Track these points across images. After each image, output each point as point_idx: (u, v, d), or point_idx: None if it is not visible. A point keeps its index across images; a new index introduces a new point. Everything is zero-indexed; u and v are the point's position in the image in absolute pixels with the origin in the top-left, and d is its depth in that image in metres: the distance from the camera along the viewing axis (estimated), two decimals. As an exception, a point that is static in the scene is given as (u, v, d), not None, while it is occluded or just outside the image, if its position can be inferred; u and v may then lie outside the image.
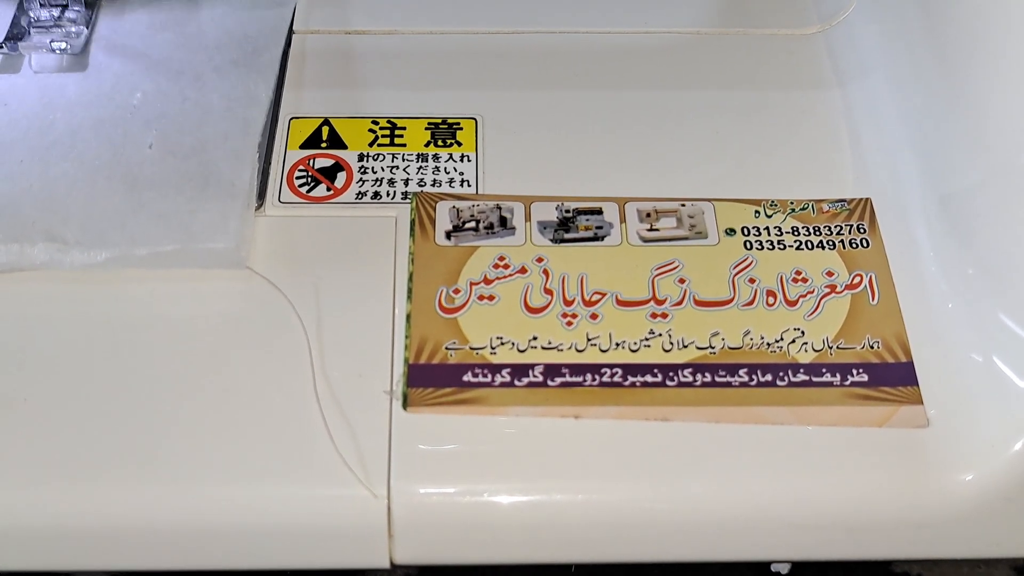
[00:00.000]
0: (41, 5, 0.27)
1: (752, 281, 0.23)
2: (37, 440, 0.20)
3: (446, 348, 0.22)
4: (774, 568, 0.30)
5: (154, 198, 0.24)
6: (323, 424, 0.20)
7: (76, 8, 0.28)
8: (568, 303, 0.23)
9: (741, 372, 0.22)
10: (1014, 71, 0.21)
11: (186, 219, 0.23)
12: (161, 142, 0.25)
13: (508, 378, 0.22)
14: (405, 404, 0.21)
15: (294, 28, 0.28)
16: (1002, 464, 0.21)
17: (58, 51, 0.27)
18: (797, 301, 0.23)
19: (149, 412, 0.21)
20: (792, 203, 0.24)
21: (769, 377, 0.22)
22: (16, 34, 0.27)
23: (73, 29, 0.27)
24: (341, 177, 0.25)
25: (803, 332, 0.22)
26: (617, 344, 0.22)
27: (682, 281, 0.23)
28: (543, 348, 0.22)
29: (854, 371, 0.22)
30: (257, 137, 0.25)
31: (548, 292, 0.23)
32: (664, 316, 0.22)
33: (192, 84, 0.26)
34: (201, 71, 0.27)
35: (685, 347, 0.22)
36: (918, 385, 0.22)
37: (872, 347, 0.22)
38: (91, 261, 0.23)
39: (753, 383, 0.21)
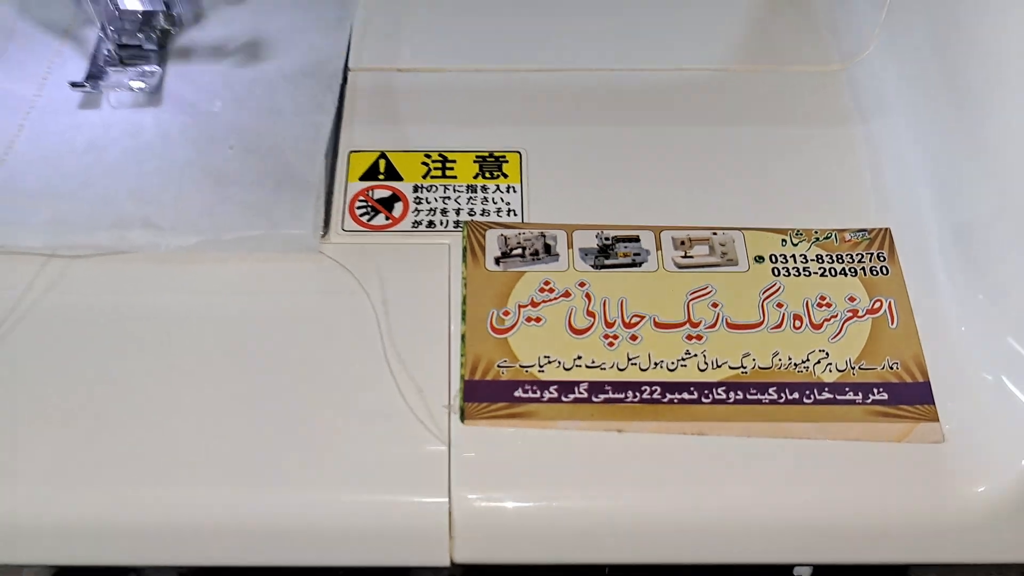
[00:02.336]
0: (119, 46, 0.30)
1: (780, 306, 0.25)
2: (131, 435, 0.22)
3: (498, 366, 0.24)
4: (796, 572, 0.32)
5: (238, 191, 0.27)
6: (391, 429, 0.22)
7: (150, 47, 0.30)
8: (609, 325, 0.25)
9: (770, 390, 0.24)
10: None
11: (267, 208, 0.26)
12: (241, 143, 0.28)
13: (556, 394, 0.24)
14: (462, 417, 0.23)
15: (349, 65, 0.30)
16: (1013, 477, 0.22)
17: (136, 89, 0.29)
18: (822, 325, 0.25)
19: (236, 415, 0.23)
20: (816, 232, 0.26)
21: (796, 395, 0.24)
22: (95, 73, 0.29)
23: (148, 68, 0.29)
24: (398, 207, 0.27)
25: (827, 354, 0.24)
26: (656, 364, 0.24)
27: (715, 305, 0.25)
28: (587, 367, 0.24)
29: (875, 390, 0.24)
30: (326, 140, 0.28)
31: (591, 314, 0.25)
32: (699, 338, 0.24)
33: (266, 92, 0.29)
34: (273, 80, 0.29)
35: (719, 367, 0.24)
36: (934, 404, 0.23)
37: (892, 368, 0.24)
38: (184, 244, 0.26)
39: (781, 400, 0.23)
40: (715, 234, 0.26)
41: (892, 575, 0.29)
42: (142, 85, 0.29)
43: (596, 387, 0.24)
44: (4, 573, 0.27)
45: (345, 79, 0.30)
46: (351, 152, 0.28)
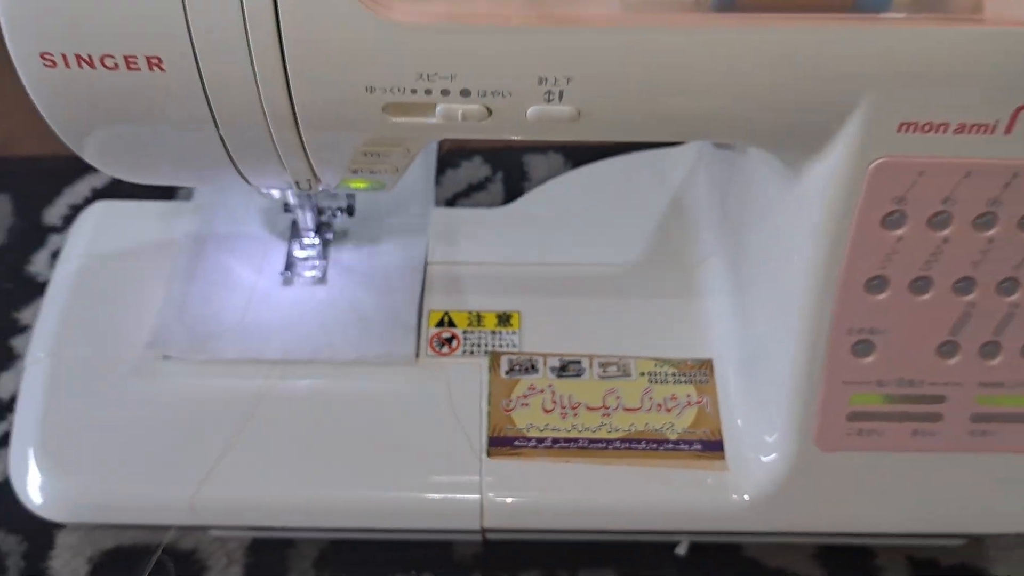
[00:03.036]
0: (301, 247, 0.52)
1: (651, 399, 0.47)
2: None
3: (506, 428, 0.46)
4: (677, 550, 0.53)
5: (375, 330, 0.45)
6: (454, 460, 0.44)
7: (319, 247, 0.52)
8: (563, 407, 0.47)
9: (643, 443, 0.46)
10: (768, 289, 0.45)
11: (390, 340, 0.45)
12: (372, 315, 0.47)
13: (536, 444, 0.46)
14: (488, 455, 0.45)
15: (427, 259, 0.51)
16: (763, 480, 0.44)
17: (311, 278, 0.50)
18: (672, 409, 0.47)
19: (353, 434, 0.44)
20: (672, 360, 0.48)
21: (655, 446, 0.46)
22: (289, 264, 0.52)
23: (318, 262, 0.52)
24: (455, 343, 0.49)
25: (672, 424, 0.46)
26: (587, 428, 0.46)
27: (618, 398, 0.47)
28: (552, 429, 0.46)
29: (695, 444, 0.46)
30: (417, 292, 0.47)
31: (554, 402, 0.47)
32: (608, 415, 0.46)
33: (383, 274, 0.48)
34: (387, 266, 0.48)
35: (617, 430, 0.46)
36: (724, 451, 0.45)
37: (705, 433, 0.46)
38: (344, 358, 0.44)
39: (646, 448, 0.45)
40: (620, 359, 0.48)
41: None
42: (315, 273, 0.49)
43: (557, 440, 0.46)
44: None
45: (426, 266, 0.53)
46: (430, 310, 0.50)
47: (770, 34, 0.31)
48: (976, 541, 0.51)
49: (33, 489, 0.44)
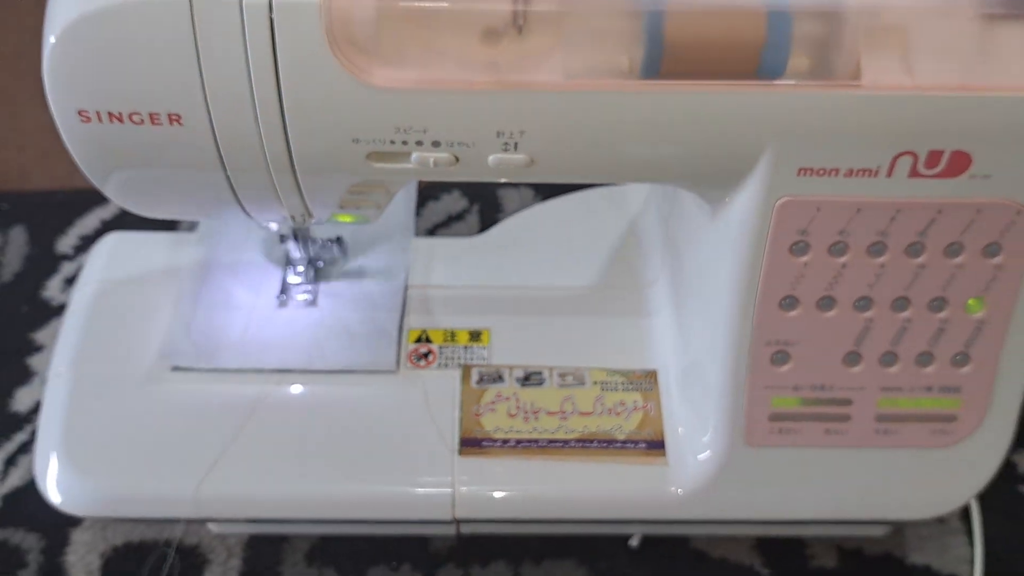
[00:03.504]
0: (294, 273, 0.58)
1: (603, 404, 0.53)
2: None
3: (476, 430, 0.52)
4: (630, 542, 0.59)
5: (360, 343, 0.51)
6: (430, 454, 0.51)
7: (311, 273, 0.58)
8: (525, 412, 0.53)
9: (595, 442, 0.52)
10: (701, 308, 0.52)
11: (374, 351, 0.51)
12: (357, 328, 0.54)
13: (502, 444, 0.52)
14: (460, 454, 0.52)
15: (408, 283, 0.58)
16: (698, 473, 0.50)
17: (304, 301, 0.57)
18: (621, 413, 0.53)
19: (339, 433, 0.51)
20: (622, 370, 0.55)
21: (606, 444, 0.52)
22: (284, 288, 0.58)
23: (310, 287, 0.58)
24: (431, 356, 0.56)
25: (621, 426, 0.52)
26: (546, 430, 0.52)
27: (574, 404, 0.54)
28: (516, 431, 0.53)
29: (641, 443, 0.52)
30: (398, 312, 0.52)
31: (518, 407, 0.53)
32: (565, 419, 0.53)
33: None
34: (371, 289, 0.55)
35: (573, 432, 0.52)
36: (665, 449, 0.52)
37: (649, 434, 0.52)
38: (323, 368, 0.51)
39: (598, 447, 0.52)
40: (576, 369, 0.55)
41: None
42: (307, 297, 0.57)
43: (520, 440, 0.52)
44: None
45: (406, 289, 0.59)
46: (410, 328, 0.57)
47: (689, 96, 0.38)
48: (898, 531, 0.57)
49: (56, 488, 0.50)
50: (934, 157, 0.39)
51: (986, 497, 0.53)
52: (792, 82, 0.38)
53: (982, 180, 0.40)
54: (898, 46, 0.38)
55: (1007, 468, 0.56)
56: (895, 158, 0.40)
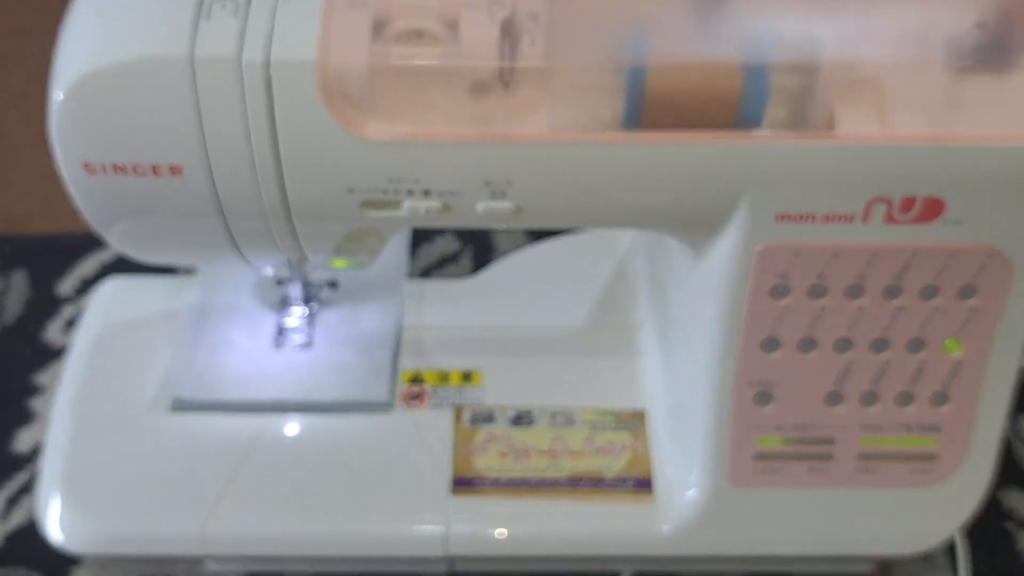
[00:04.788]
0: (290, 316, 0.60)
1: (592, 444, 0.55)
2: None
3: (468, 470, 0.53)
4: (621, 578, 0.60)
5: (354, 381, 0.52)
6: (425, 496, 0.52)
7: (305, 316, 0.60)
8: (516, 452, 0.54)
9: (583, 481, 0.53)
10: (686, 349, 0.53)
11: (368, 389, 0.52)
12: (353, 368, 0.55)
13: (493, 483, 0.53)
14: (452, 493, 0.53)
15: (403, 324, 0.59)
16: (685, 512, 0.51)
17: (300, 343, 0.59)
18: (610, 452, 0.54)
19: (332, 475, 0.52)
20: (611, 411, 0.56)
21: (595, 484, 0.53)
22: (280, 330, 0.59)
23: (306, 329, 0.59)
24: (424, 397, 0.57)
25: (610, 465, 0.53)
26: (536, 469, 0.54)
27: (564, 443, 0.55)
28: (507, 470, 0.54)
29: (630, 481, 0.53)
30: (391, 349, 0.54)
31: (509, 447, 0.55)
32: (555, 458, 0.54)
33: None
34: (366, 326, 0.57)
35: (563, 470, 0.53)
36: (652, 488, 0.53)
37: (638, 473, 0.53)
38: (319, 400, 0.51)
39: (587, 486, 0.53)
40: (566, 410, 0.56)
41: None
42: (302, 339, 0.57)
43: (512, 480, 0.53)
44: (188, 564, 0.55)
45: (400, 330, 0.60)
46: (403, 370, 0.58)
47: (669, 147, 0.40)
48: (885, 567, 0.58)
49: (58, 527, 0.51)
50: (907, 203, 0.41)
51: (972, 533, 0.54)
52: (769, 133, 0.39)
53: (955, 225, 0.41)
54: (871, 98, 0.40)
55: (992, 505, 0.57)
56: (869, 204, 0.41)
